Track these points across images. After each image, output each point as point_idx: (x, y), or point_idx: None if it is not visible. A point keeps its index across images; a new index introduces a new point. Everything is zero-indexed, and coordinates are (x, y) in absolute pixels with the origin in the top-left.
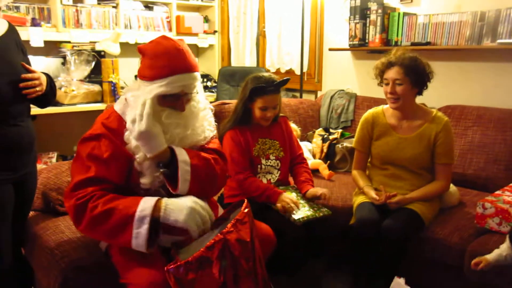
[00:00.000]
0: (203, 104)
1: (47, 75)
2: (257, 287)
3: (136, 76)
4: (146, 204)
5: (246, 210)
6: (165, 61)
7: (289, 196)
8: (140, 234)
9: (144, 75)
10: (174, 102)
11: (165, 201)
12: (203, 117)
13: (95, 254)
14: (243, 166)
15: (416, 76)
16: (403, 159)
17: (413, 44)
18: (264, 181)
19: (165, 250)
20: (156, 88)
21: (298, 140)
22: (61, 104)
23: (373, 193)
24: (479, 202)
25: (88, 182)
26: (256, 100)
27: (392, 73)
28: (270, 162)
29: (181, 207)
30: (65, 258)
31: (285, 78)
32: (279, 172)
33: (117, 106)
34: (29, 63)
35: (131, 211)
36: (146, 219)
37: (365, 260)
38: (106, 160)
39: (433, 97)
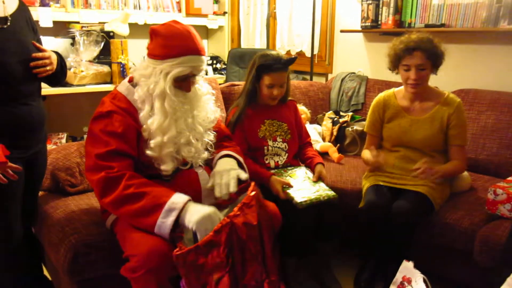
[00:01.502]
0: (205, 88)
1: (57, 54)
2: (265, 270)
3: (144, 57)
4: (179, 198)
5: (252, 194)
6: (178, 41)
7: (279, 178)
8: (164, 224)
9: (156, 54)
10: (181, 83)
11: (192, 202)
12: (206, 100)
13: (104, 231)
14: (239, 143)
15: (436, 58)
16: (415, 140)
17: (427, 26)
18: (272, 163)
19: None
20: (168, 67)
21: (308, 122)
22: (70, 85)
23: (368, 154)
24: (490, 188)
25: (111, 154)
26: (263, 77)
27: (414, 59)
28: (277, 144)
29: (199, 211)
30: (75, 235)
31: (293, 56)
32: (286, 154)
33: (121, 88)
34: (40, 42)
35: (162, 200)
36: (174, 212)
37: (374, 243)
38: (122, 135)
39: (446, 81)
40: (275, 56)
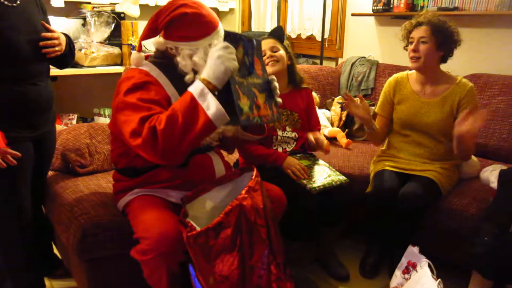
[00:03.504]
0: None
1: (66, 35)
2: (271, 252)
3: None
4: (194, 85)
5: (256, 178)
6: (207, 17)
7: (298, 161)
8: (210, 103)
9: (188, 35)
10: None
11: (204, 74)
12: None
13: (113, 212)
14: None
15: (443, 37)
16: (425, 123)
17: (439, 9)
18: (280, 150)
19: (176, 208)
20: (207, 41)
21: (317, 107)
22: (81, 66)
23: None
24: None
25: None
26: None
27: (419, 32)
28: (287, 134)
29: (216, 64)
30: (84, 215)
31: (276, 26)
32: (295, 143)
33: (142, 65)
34: (48, 23)
35: (188, 97)
36: (204, 90)
37: (380, 228)
38: (159, 102)
39: (458, 65)
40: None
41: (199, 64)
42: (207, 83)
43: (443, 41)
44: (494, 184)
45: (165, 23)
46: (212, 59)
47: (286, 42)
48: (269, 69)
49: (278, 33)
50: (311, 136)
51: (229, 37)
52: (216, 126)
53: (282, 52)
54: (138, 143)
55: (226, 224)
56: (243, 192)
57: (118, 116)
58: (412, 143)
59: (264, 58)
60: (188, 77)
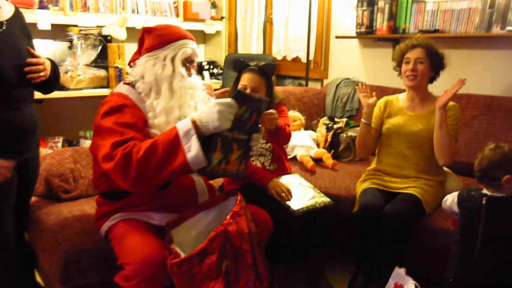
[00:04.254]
0: (199, 81)
1: (51, 61)
2: (257, 277)
3: (131, 63)
4: (183, 123)
5: (240, 203)
6: (173, 29)
7: (282, 182)
8: (192, 145)
9: (155, 44)
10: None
11: (197, 115)
12: (200, 89)
13: (97, 238)
14: None
15: (436, 59)
16: (412, 133)
17: (421, 31)
18: (258, 164)
19: (159, 231)
20: (171, 51)
21: (303, 129)
22: (67, 89)
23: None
24: None
25: (127, 141)
26: (240, 79)
27: (415, 53)
28: (262, 145)
29: (212, 116)
30: (68, 242)
31: (270, 64)
32: (271, 154)
33: (121, 89)
34: (34, 48)
35: (173, 133)
36: (191, 132)
37: (368, 247)
38: (135, 125)
39: (440, 85)
40: (254, 60)
41: (147, 71)
42: (196, 125)
43: (436, 63)
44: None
45: (139, 44)
46: (211, 108)
47: (273, 78)
48: None
49: (269, 72)
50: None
51: (239, 96)
52: (192, 169)
53: (261, 93)
54: (110, 167)
55: (210, 251)
56: (228, 217)
57: (94, 139)
58: (398, 155)
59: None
60: (137, 86)
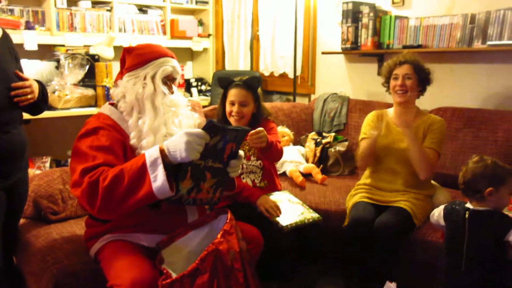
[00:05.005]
0: (182, 98)
1: (39, 82)
2: None
3: (117, 82)
4: (151, 150)
5: (231, 222)
6: (153, 48)
7: (271, 199)
8: (158, 175)
9: (135, 63)
10: (164, 85)
11: (166, 144)
12: (184, 106)
13: (86, 260)
14: None
15: (423, 75)
16: (401, 149)
17: (404, 47)
18: (249, 181)
19: (149, 252)
20: (151, 69)
21: (291, 144)
22: (54, 109)
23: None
24: None
25: (97, 167)
26: (227, 95)
27: (403, 69)
28: (252, 163)
29: (180, 146)
30: (57, 264)
31: (254, 76)
32: (262, 171)
33: (103, 110)
34: (21, 71)
35: (140, 162)
36: (158, 160)
37: (358, 261)
38: (109, 148)
39: (425, 99)
40: (238, 75)
41: (128, 90)
42: (164, 154)
43: (423, 78)
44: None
45: (121, 64)
46: (179, 138)
47: (259, 90)
48: (233, 122)
49: (254, 85)
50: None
51: (210, 127)
52: (158, 199)
53: (250, 106)
54: (78, 194)
55: (202, 270)
56: (219, 236)
57: (70, 161)
58: (388, 171)
59: (232, 108)
60: (119, 105)
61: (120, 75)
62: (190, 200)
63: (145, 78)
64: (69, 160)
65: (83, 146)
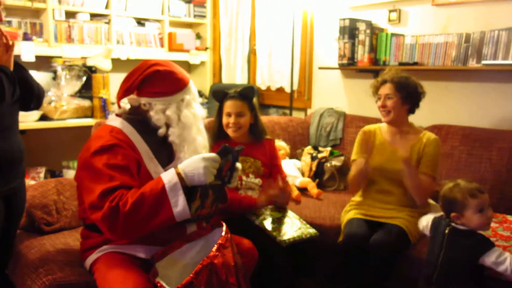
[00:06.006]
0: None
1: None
2: None
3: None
4: (168, 175)
5: (226, 235)
6: (179, 74)
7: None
8: (178, 200)
9: (161, 91)
10: None
11: (182, 168)
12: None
13: (80, 272)
14: None
15: (406, 92)
16: (395, 170)
17: (400, 64)
18: None
19: (145, 264)
20: (181, 96)
21: (287, 158)
22: (50, 119)
23: (361, 160)
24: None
25: (116, 190)
26: (223, 107)
27: (384, 89)
28: (251, 179)
29: (198, 171)
30: (50, 276)
31: (248, 87)
32: (260, 188)
33: (114, 122)
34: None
35: (160, 186)
36: (177, 185)
37: (353, 277)
38: (126, 167)
39: (420, 116)
40: (232, 88)
41: (172, 118)
42: (181, 178)
43: (407, 95)
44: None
45: (139, 82)
46: (197, 163)
47: (254, 100)
48: (231, 133)
49: (248, 95)
50: (279, 182)
51: (223, 151)
52: (176, 221)
53: (246, 117)
54: (97, 217)
55: (196, 284)
56: (214, 249)
57: (82, 176)
58: (382, 192)
59: (228, 120)
60: (161, 131)
61: (138, 92)
62: (196, 216)
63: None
64: (64, 170)
65: (98, 164)
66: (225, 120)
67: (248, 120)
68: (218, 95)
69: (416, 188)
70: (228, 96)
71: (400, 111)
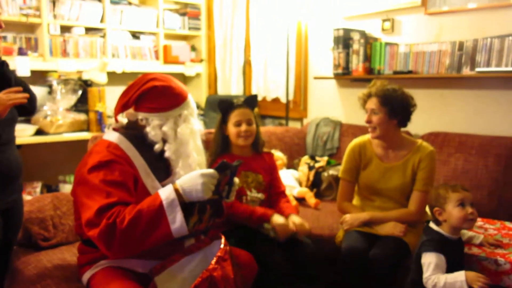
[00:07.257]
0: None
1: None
2: None
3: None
4: (166, 191)
5: (225, 247)
6: (176, 89)
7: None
8: (176, 217)
9: (158, 107)
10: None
11: (180, 184)
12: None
13: (78, 286)
14: None
15: (392, 106)
16: (389, 188)
17: (395, 72)
18: None
19: (143, 279)
20: (178, 111)
21: (285, 168)
22: (46, 133)
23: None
24: (490, 257)
25: (113, 206)
26: (229, 117)
27: (370, 103)
28: (253, 194)
29: (196, 187)
30: None
31: (251, 95)
32: (261, 203)
33: (111, 137)
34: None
35: (157, 203)
36: (175, 202)
37: (354, 286)
38: (123, 183)
39: (416, 124)
40: (234, 98)
41: (168, 134)
42: (179, 194)
43: (394, 109)
44: None
45: (136, 97)
46: (195, 179)
47: (255, 110)
48: (243, 142)
49: (253, 104)
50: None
51: (222, 167)
52: (174, 238)
53: (254, 125)
54: (94, 234)
55: None
56: (213, 262)
57: (78, 192)
58: (379, 209)
59: (239, 128)
60: (157, 147)
61: (135, 107)
62: (193, 231)
63: (174, 118)
64: (60, 185)
65: (95, 180)
66: (234, 130)
67: (255, 128)
68: (224, 105)
69: (403, 220)
70: (236, 105)
71: (387, 126)
